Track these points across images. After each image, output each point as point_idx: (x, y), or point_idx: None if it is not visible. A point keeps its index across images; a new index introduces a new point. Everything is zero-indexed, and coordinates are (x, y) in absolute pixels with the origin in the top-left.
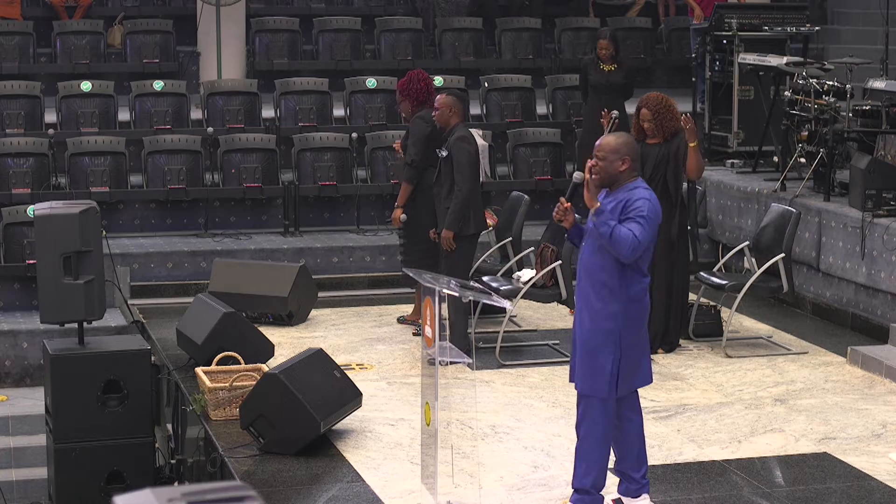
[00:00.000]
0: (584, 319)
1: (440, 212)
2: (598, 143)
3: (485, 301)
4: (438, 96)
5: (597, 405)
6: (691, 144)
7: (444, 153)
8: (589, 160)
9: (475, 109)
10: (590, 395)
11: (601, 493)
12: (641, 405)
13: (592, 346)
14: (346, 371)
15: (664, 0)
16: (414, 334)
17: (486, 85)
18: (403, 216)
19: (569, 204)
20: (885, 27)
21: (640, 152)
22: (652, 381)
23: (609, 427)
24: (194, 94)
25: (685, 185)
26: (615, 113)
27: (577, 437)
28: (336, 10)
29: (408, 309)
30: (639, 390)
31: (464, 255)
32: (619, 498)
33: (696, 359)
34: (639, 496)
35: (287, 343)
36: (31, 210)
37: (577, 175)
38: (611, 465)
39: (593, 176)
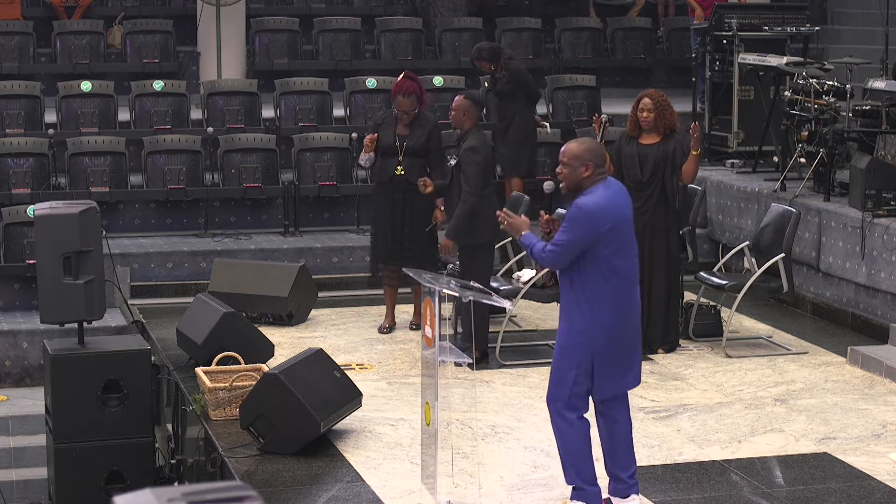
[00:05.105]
0: (561, 324)
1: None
2: (562, 149)
3: (485, 301)
4: (456, 98)
5: (559, 413)
6: (694, 152)
7: (454, 161)
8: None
9: None
10: (551, 402)
11: (596, 484)
12: (641, 405)
13: (562, 352)
14: (346, 371)
15: (664, 0)
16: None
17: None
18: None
19: (549, 216)
20: (885, 27)
21: (630, 153)
22: (639, 383)
23: (579, 428)
24: (194, 94)
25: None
26: (605, 116)
27: (555, 436)
28: (336, 10)
29: (409, 309)
30: (636, 390)
31: (483, 264)
32: (609, 498)
33: (696, 359)
34: (627, 496)
35: (287, 343)
36: (31, 210)
37: (547, 185)
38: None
39: (561, 184)
